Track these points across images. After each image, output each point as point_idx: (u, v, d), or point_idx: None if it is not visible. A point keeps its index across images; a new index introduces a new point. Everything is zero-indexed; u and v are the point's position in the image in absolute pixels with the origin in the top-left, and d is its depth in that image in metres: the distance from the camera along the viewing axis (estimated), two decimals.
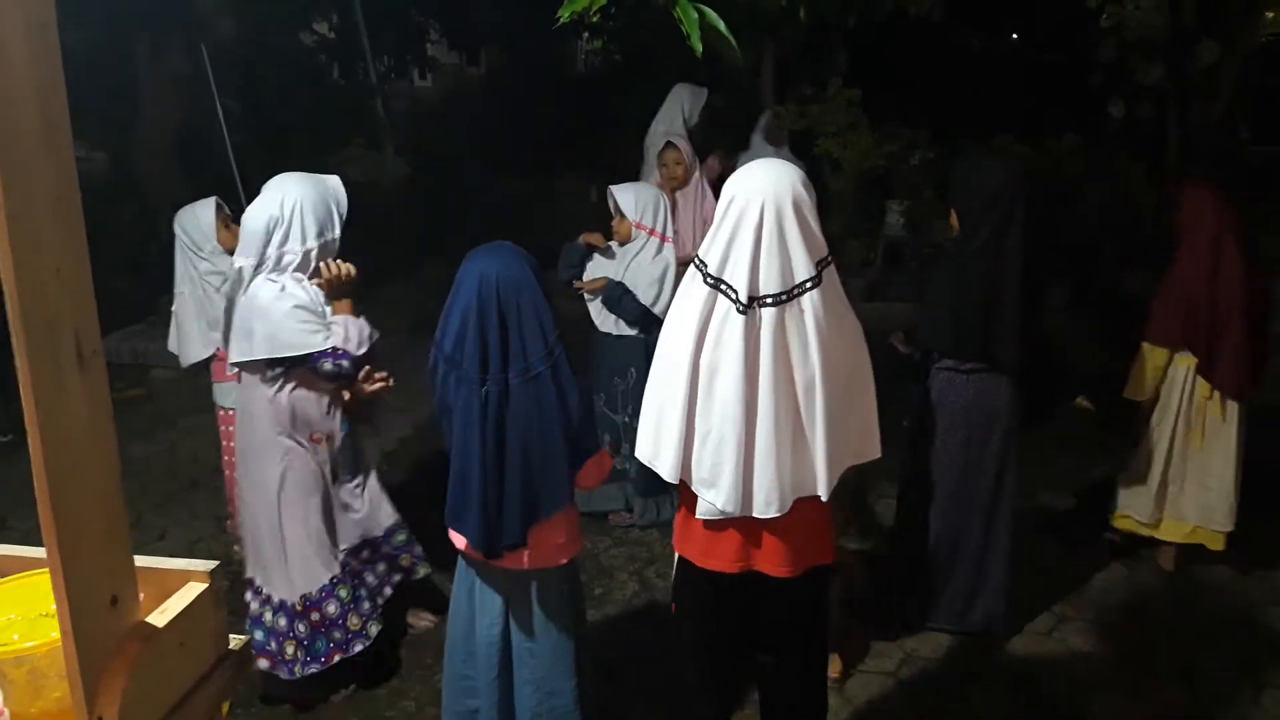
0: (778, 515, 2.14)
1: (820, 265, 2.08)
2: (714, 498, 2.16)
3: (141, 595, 1.39)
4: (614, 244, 4.27)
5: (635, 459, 4.23)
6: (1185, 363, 3.70)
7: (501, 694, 2.72)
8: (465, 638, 2.75)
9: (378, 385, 3.20)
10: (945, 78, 11.24)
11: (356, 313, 3.10)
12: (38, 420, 1.11)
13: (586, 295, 4.31)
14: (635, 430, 3.78)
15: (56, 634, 1.21)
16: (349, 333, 3.04)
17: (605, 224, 4.35)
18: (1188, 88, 7.88)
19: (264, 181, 3.19)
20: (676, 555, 2.47)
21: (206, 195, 3.86)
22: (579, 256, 4.29)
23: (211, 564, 1.46)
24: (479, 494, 2.45)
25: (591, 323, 4.37)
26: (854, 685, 3.41)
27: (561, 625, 2.69)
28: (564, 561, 2.65)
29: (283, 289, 2.97)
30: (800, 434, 2.11)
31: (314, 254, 3.05)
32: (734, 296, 2.06)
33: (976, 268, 3.20)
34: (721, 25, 2.62)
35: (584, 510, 4.35)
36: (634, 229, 4.18)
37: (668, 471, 2.20)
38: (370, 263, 8.93)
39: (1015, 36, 15.19)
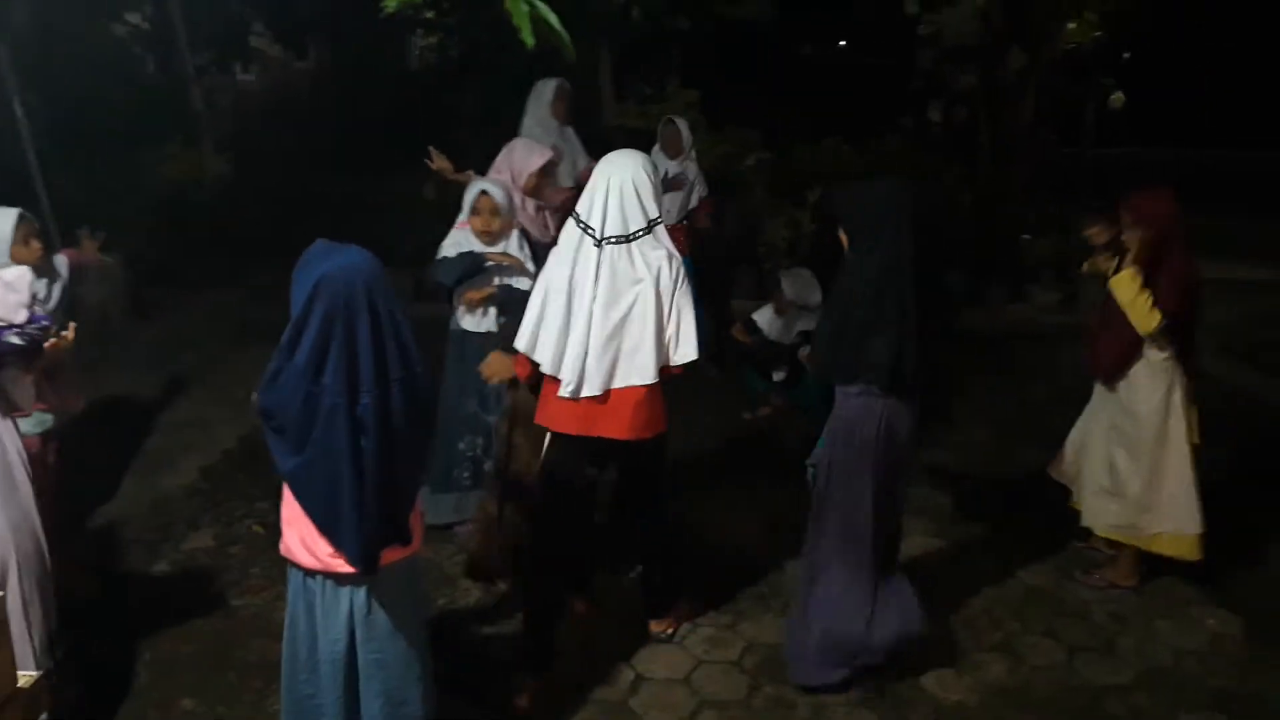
0: (599, 394, 3.04)
1: (651, 223, 3.07)
2: (566, 380, 3.04)
3: None
4: (475, 241, 4.05)
5: None
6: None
7: (348, 711, 2.62)
8: (308, 657, 2.61)
9: (51, 345, 2.73)
10: (777, 81, 11.61)
11: None
12: None
13: (465, 305, 4.09)
14: None
15: None
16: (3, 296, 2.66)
17: (441, 221, 4.22)
18: (998, 93, 8.38)
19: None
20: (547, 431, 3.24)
21: (2, 203, 3.50)
22: (466, 267, 3.98)
23: None
24: (355, 515, 2.32)
25: (439, 323, 4.20)
26: (699, 676, 3.46)
27: (408, 632, 2.61)
28: (413, 552, 2.57)
29: None
30: (628, 335, 3.03)
31: None
32: (592, 233, 3.04)
33: (866, 290, 3.05)
34: (553, 19, 2.59)
35: (440, 521, 4.28)
36: (506, 226, 4.05)
37: (546, 362, 3.07)
38: (190, 267, 8.51)
39: (843, 43, 15.86)
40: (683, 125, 6.06)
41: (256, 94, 13.45)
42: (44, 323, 2.70)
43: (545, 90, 5.49)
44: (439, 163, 4.69)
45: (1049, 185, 8.44)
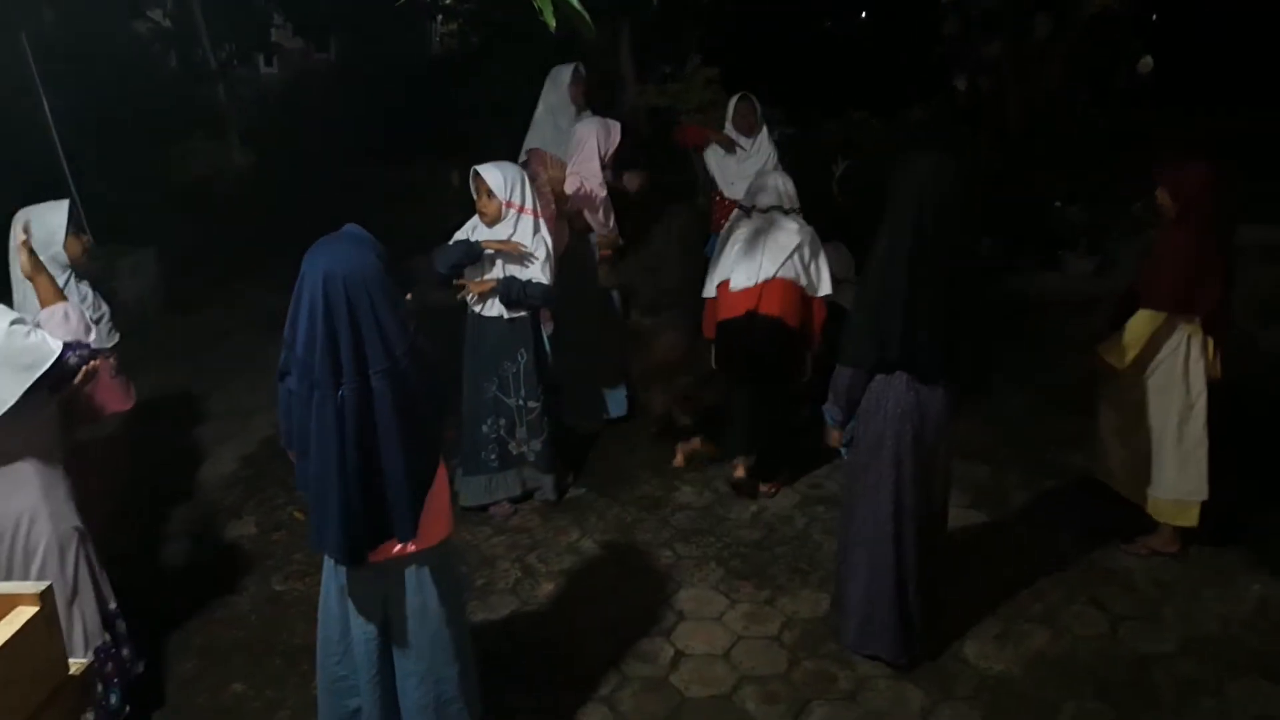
0: (768, 278, 4.12)
1: (792, 206, 4.31)
2: (738, 278, 4.18)
3: None
4: (483, 225, 4.09)
5: (534, 442, 4.17)
6: (1189, 330, 3.70)
7: (383, 690, 2.66)
8: (340, 639, 2.66)
9: (92, 367, 2.77)
10: (799, 55, 11.48)
11: (59, 292, 2.81)
12: None
13: (472, 296, 4.15)
14: (531, 412, 4.41)
15: None
16: (71, 319, 2.70)
17: (468, 209, 4.23)
18: (1025, 60, 8.24)
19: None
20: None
21: (32, 201, 3.53)
22: (461, 255, 4.06)
23: (43, 585, 1.34)
24: (339, 505, 2.34)
25: (455, 308, 4.24)
26: (739, 651, 3.46)
27: (439, 612, 2.63)
28: (438, 541, 2.58)
29: None
30: (789, 255, 4.15)
31: None
32: (746, 207, 4.40)
33: (897, 273, 2.97)
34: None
35: (472, 503, 4.32)
36: (504, 208, 4.05)
37: (713, 283, 4.34)
38: (219, 260, 8.57)
39: (864, 15, 15.65)
40: (757, 103, 6.04)
41: (279, 87, 13.52)
42: (93, 349, 2.73)
43: (562, 75, 5.46)
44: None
45: (1079, 151, 8.29)
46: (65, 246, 3.39)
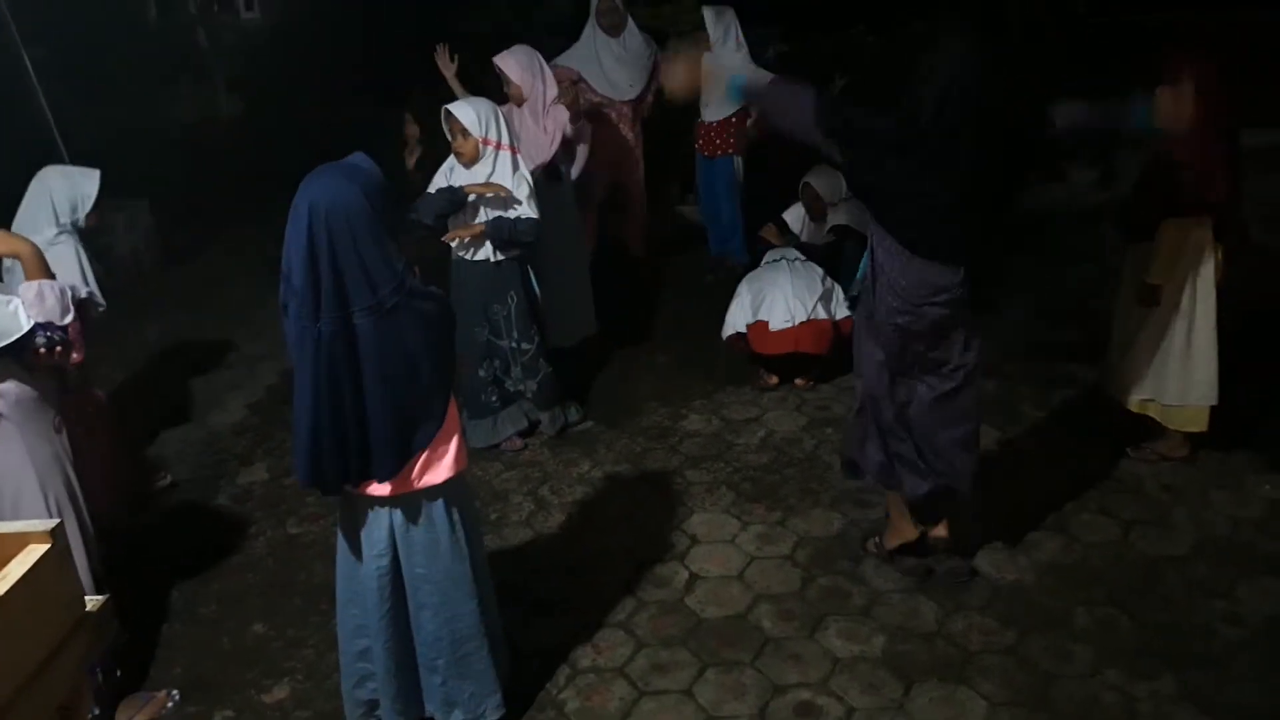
0: (803, 321, 4.61)
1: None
2: (776, 320, 4.62)
3: None
4: (460, 166, 3.98)
5: (530, 383, 4.16)
6: (1202, 234, 3.65)
7: (393, 628, 2.66)
8: (351, 575, 2.68)
9: (59, 353, 2.75)
10: None
11: (47, 270, 2.68)
12: None
13: (457, 242, 4.06)
14: (525, 354, 3.98)
15: None
16: (47, 300, 2.60)
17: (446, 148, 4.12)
18: None
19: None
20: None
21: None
22: (445, 203, 3.94)
23: (52, 522, 1.33)
24: (308, 434, 2.37)
25: (445, 250, 4.16)
26: (753, 571, 3.50)
27: (452, 547, 2.63)
28: (446, 478, 2.57)
29: None
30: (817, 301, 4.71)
31: None
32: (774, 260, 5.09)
33: (910, 161, 2.89)
34: None
35: (482, 445, 4.32)
36: (481, 146, 3.93)
37: (746, 320, 4.73)
38: (213, 208, 8.46)
39: None
40: (713, 13, 5.78)
41: (262, 31, 13.23)
42: (63, 335, 2.69)
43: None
44: (443, 60, 4.66)
45: (1081, 57, 8.12)
46: (87, 217, 3.51)
